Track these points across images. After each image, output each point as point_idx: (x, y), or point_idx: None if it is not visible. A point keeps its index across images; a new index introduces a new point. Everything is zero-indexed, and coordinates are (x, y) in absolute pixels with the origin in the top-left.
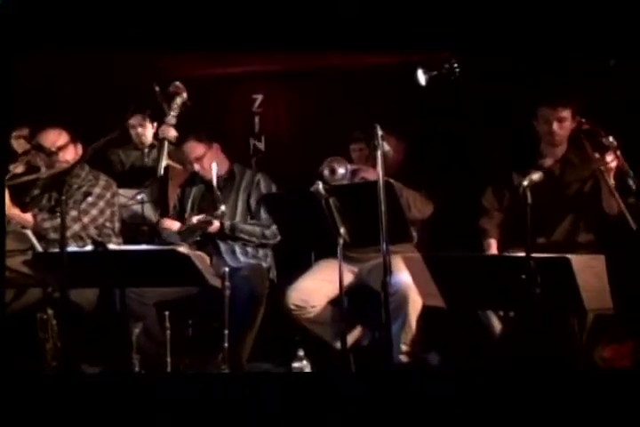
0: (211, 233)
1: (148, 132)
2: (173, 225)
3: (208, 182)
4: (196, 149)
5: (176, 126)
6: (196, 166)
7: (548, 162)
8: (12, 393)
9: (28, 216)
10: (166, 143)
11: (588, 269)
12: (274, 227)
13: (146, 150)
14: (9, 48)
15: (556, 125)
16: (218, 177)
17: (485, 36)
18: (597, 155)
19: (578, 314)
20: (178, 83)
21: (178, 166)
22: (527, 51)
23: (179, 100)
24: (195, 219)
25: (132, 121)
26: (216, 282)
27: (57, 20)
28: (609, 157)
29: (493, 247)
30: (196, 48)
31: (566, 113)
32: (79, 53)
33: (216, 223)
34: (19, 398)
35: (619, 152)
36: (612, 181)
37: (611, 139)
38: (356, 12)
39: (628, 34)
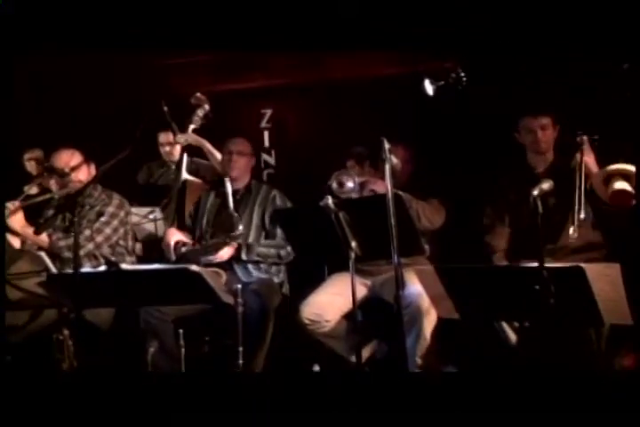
0: (225, 258)
1: (176, 150)
2: (174, 237)
3: (224, 197)
4: (245, 145)
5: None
6: (234, 157)
7: (540, 170)
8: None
9: (44, 236)
10: (185, 157)
11: (603, 278)
12: (289, 247)
13: (173, 167)
14: (9, 48)
15: (540, 133)
16: (235, 190)
17: (484, 40)
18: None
19: (595, 326)
20: (199, 94)
21: (197, 180)
22: (520, 53)
23: (200, 113)
24: (212, 241)
25: (161, 139)
26: (229, 299)
27: (57, 21)
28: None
29: (503, 262)
30: (196, 49)
31: (547, 120)
32: (79, 53)
33: (233, 245)
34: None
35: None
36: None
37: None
38: (357, 13)
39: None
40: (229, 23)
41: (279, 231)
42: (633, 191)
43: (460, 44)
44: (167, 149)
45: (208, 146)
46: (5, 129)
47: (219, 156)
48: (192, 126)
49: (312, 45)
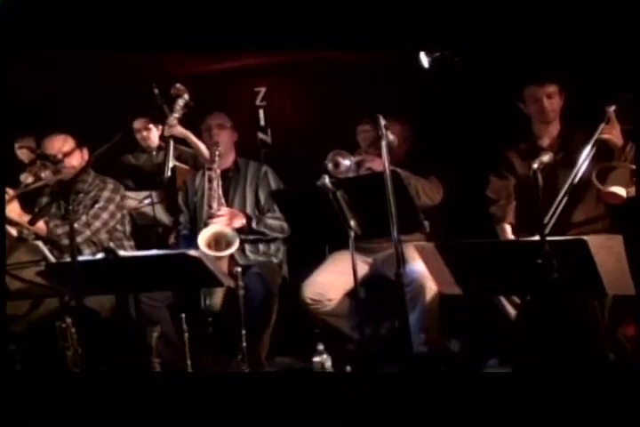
0: (236, 226)
1: (152, 135)
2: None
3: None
4: (223, 118)
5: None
6: (215, 131)
7: (546, 141)
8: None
9: (41, 224)
10: (172, 144)
11: (606, 249)
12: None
13: (154, 153)
14: (9, 48)
15: (546, 102)
16: (223, 171)
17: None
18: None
19: (598, 297)
20: (179, 85)
21: (185, 167)
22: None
23: (181, 102)
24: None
25: (136, 125)
26: (229, 282)
27: (57, 21)
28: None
29: (508, 231)
30: (193, 45)
31: (553, 88)
32: (78, 53)
33: (242, 215)
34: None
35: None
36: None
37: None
38: (355, 9)
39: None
40: (227, 21)
41: (275, 207)
42: (626, 195)
43: (462, 33)
44: (144, 133)
45: (192, 137)
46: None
47: (203, 147)
48: (175, 115)
49: (311, 43)
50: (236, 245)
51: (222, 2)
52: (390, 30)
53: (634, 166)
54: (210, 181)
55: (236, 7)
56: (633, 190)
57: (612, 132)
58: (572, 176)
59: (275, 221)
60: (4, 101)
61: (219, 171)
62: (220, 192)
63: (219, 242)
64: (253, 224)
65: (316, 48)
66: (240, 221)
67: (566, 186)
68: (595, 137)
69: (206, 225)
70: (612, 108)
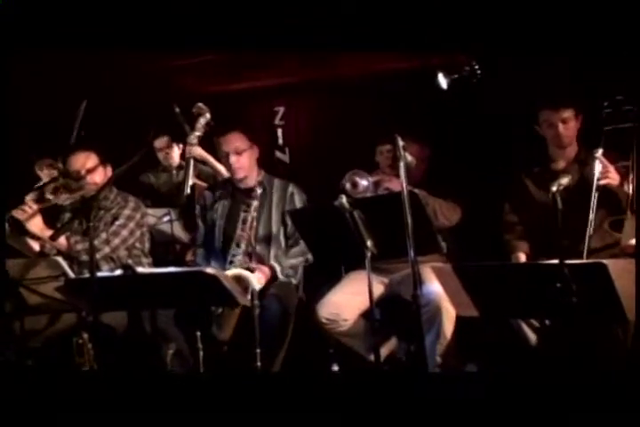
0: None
1: (174, 153)
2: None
3: (236, 193)
4: (238, 140)
5: (201, 145)
6: (233, 158)
7: (561, 164)
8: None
9: (62, 239)
10: (192, 162)
11: (627, 274)
12: None
13: (174, 172)
14: (9, 48)
15: (561, 127)
16: (249, 189)
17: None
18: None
19: (619, 323)
20: (201, 104)
21: (204, 185)
22: (534, 51)
23: (202, 121)
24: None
25: (157, 144)
26: (245, 301)
27: (57, 21)
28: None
29: (522, 260)
30: (193, 46)
31: (569, 113)
32: (80, 54)
33: (267, 271)
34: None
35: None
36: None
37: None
38: (355, 9)
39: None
40: (235, 22)
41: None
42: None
43: (472, 38)
44: (165, 152)
45: (212, 160)
46: (8, 134)
47: (222, 168)
48: (196, 134)
49: (323, 47)
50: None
51: (222, 2)
52: (390, 30)
53: None
54: (244, 222)
55: (235, 7)
56: None
57: (607, 176)
58: (591, 205)
59: (296, 260)
60: (3, 101)
61: (256, 203)
62: (255, 224)
63: (239, 284)
64: (279, 274)
65: (315, 48)
66: (265, 278)
67: (593, 207)
68: (594, 187)
69: (232, 263)
70: (600, 151)
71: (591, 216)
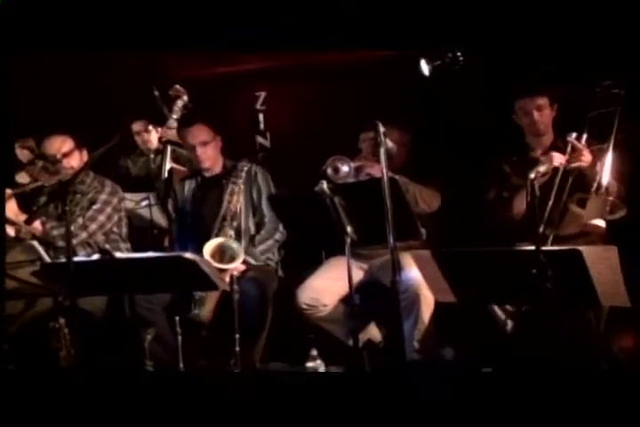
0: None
1: (152, 137)
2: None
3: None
4: (202, 133)
5: (179, 127)
6: (199, 150)
7: (538, 153)
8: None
9: (37, 224)
10: (169, 146)
11: (602, 261)
12: (280, 226)
13: (152, 155)
14: (9, 48)
15: (536, 115)
16: (215, 176)
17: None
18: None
19: (593, 308)
20: (178, 86)
21: (182, 169)
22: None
23: (180, 103)
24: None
25: (136, 127)
26: (225, 286)
27: (57, 21)
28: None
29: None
30: (193, 46)
31: (543, 101)
32: (78, 53)
33: (240, 264)
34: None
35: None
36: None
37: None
38: (356, 10)
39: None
40: (235, 22)
41: (266, 210)
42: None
43: (472, 38)
44: (143, 136)
45: None
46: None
47: None
48: (174, 117)
49: (312, 44)
50: (240, 260)
51: (222, 2)
52: (390, 31)
53: (611, 197)
54: (231, 194)
55: (235, 7)
56: (612, 217)
57: (580, 159)
58: (554, 187)
59: (264, 245)
60: (3, 101)
61: (242, 186)
62: (238, 208)
63: (223, 254)
64: (251, 261)
65: (315, 48)
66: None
67: (553, 195)
68: (560, 170)
69: (216, 236)
70: (573, 135)
71: (552, 200)
